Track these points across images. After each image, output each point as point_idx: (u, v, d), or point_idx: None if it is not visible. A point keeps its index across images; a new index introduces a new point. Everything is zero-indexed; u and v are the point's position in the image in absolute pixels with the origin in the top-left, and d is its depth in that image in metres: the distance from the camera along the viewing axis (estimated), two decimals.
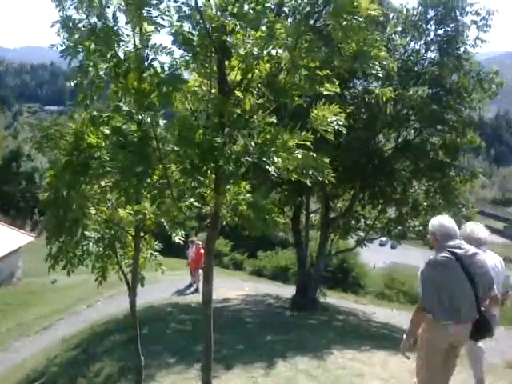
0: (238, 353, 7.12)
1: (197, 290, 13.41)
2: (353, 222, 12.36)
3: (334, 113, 3.53)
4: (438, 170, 10.56)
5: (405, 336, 4.01)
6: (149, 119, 2.61)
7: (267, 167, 3.09)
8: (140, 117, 2.63)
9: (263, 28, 2.93)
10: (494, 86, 10.57)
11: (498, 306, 4.48)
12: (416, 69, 10.63)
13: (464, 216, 11.40)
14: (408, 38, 10.74)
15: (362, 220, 12.20)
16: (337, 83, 3.35)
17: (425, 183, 11.44)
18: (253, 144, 3.00)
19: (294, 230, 12.13)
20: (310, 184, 3.54)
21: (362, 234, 12.75)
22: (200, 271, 12.90)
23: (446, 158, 10.75)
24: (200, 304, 5.48)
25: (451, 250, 3.78)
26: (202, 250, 12.08)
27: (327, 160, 3.62)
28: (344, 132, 3.67)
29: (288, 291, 14.35)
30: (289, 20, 8.73)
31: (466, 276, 3.73)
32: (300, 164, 3.46)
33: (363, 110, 9.66)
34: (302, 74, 3.06)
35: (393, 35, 10.38)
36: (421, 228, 12.13)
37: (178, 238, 3.74)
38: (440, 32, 10.48)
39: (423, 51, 10.76)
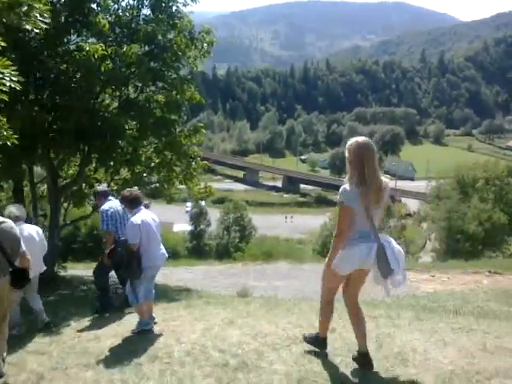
0: None
1: None
2: (87, 187, 11.84)
3: (4, 66, 3.13)
4: (163, 127, 10.81)
5: None
6: None
7: None
8: None
9: None
10: (205, 44, 11.24)
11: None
12: (132, 25, 10.47)
13: (194, 168, 12.08)
14: None
15: (96, 184, 11.73)
16: None
17: (154, 141, 11.60)
18: None
19: None
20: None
21: None
22: None
23: (171, 116, 11.07)
24: None
25: None
26: None
27: (4, 119, 3.26)
28: (30, 89, 3.29)
29: None
30: None
31: None
32: None
33: (77, 68, 9.06)
34: None
35: None
36: (157, 185, 12.40)
37: None
38: None
39: (137, 7, 10.65)
